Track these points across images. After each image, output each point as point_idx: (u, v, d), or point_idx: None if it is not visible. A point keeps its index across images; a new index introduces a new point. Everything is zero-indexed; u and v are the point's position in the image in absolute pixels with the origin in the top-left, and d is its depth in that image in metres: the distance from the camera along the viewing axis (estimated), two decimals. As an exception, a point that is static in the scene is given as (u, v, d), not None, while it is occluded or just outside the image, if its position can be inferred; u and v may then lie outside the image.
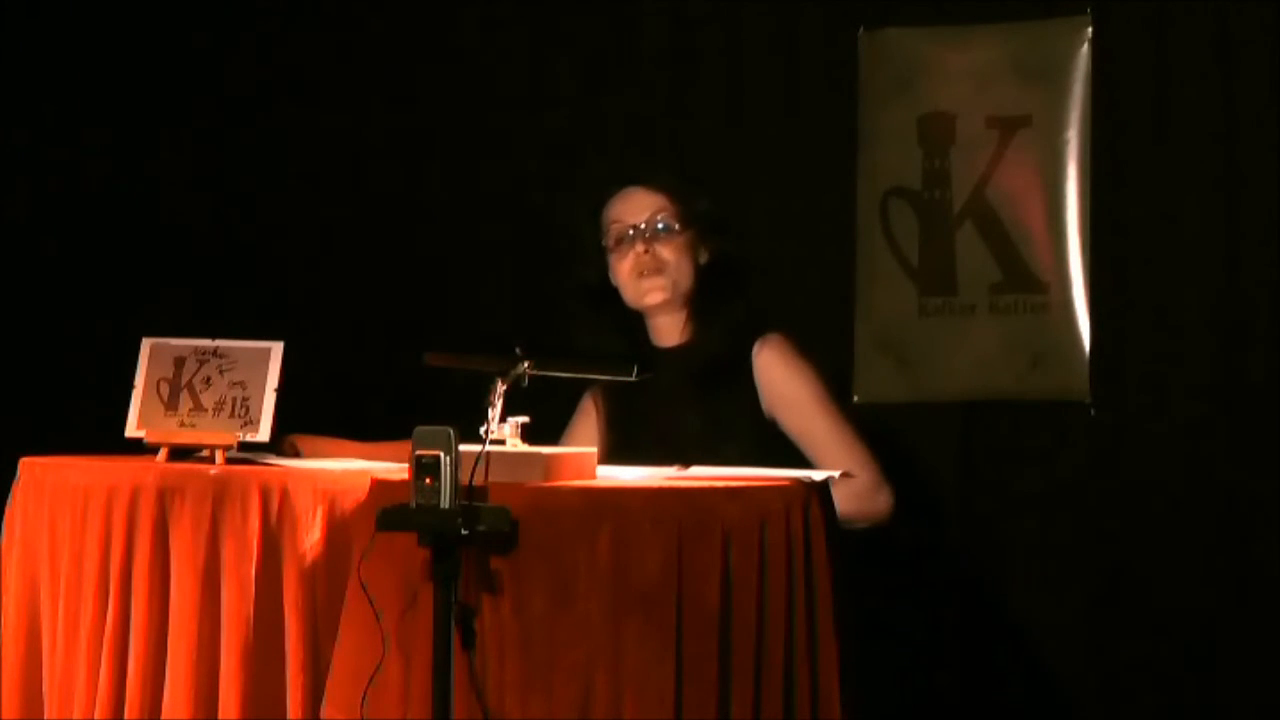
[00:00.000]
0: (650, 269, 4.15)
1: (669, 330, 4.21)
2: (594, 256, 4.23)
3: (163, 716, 3.67)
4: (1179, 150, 4.97)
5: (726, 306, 4.18)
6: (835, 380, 5.09)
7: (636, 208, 4.19)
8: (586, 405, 4.30)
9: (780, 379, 4.12)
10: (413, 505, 3.31)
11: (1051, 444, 5.09)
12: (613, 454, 4.07)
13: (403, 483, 3.37)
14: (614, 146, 5.44)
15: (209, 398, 3.87)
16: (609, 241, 4.20)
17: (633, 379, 3.77)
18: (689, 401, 4.12)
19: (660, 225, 4.17)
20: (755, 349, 4.14)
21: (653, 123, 5.44)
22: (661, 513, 3.30)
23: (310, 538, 3.64)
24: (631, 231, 4.17)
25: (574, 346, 4.19)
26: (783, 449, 4.04)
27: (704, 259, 4.21)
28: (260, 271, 5.71)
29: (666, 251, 4.17)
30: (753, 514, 3.32)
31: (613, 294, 4.22)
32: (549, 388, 3.78)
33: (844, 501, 3.86)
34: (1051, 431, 5.09)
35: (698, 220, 4.21)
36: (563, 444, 4.23)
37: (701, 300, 4.19)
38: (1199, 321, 4.95)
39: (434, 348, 3.88)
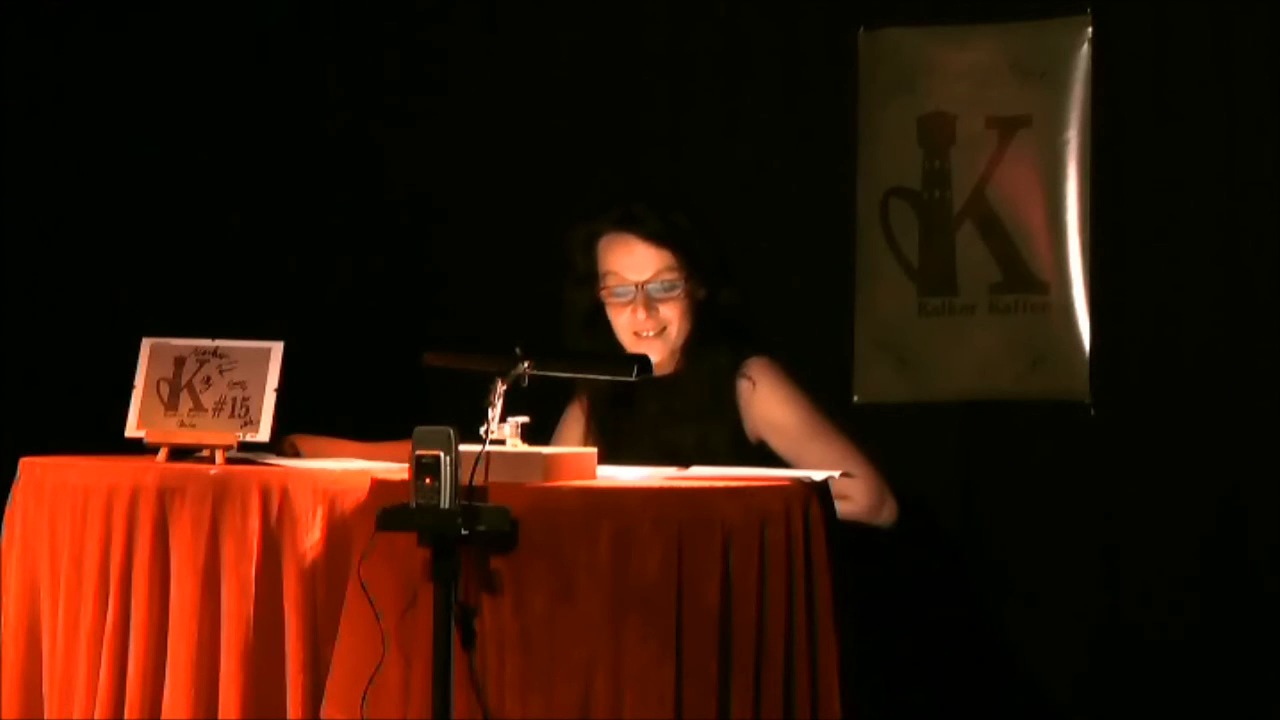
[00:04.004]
0: (650, 331, 4.07)
1: (664, 359, 4.15)
2: (586, 282, 4.13)
3: (163, 716, 3.67)
4: (1179, 150, 4.97)
5: (715, 343, 4.12)
6: (836, 381, 5.12)
7: (639, 263, 4.06)
8: (574, 413, 4.26)
9: (768, 408, 4.06)
10: (413, 505, 3.31)
11: (1051, 444, 5.09)
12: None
13: (403, 483, 3.37)
14: (614, 146, 5.44)
15: (209, 398, 3.87)
16: (604, 288, 4.10)
17: (633, 379, 3.76)
18: (670, 431, 4.07)
19: (663, 285, 4.06)
20: (739, 375, 4.08)
21: (652, 123, 5.44)
22: (661, 513, 3.30)
23: (310, 538, 3.64)
24: (633, 290, 4.07)
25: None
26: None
27: (700, 296, 4.12)
28: (260, 271, 5.71)
29: (668, 312, 4.06)
30: (753, 514, 3.32)
31: (604, 319, 4.14)
32: (549, 388, 3.78)
33: (848, 516, 3.87)
34: (1051, 431, 5.09)
35: (700, 272, 4.09)
36: (566, 419, 4.22)
37: (694, 338, 4.11)
38: (1199, 322, 4.95)
39: (434, 348, 3.88)
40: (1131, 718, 4.98)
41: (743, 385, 4.07)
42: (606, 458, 3.79)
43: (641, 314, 4.07)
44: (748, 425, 4.08)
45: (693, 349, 4.11)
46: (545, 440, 4.13)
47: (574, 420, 4.25)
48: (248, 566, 3.65)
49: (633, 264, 4.07)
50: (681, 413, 4.07)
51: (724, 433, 4.06)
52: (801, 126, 5.31)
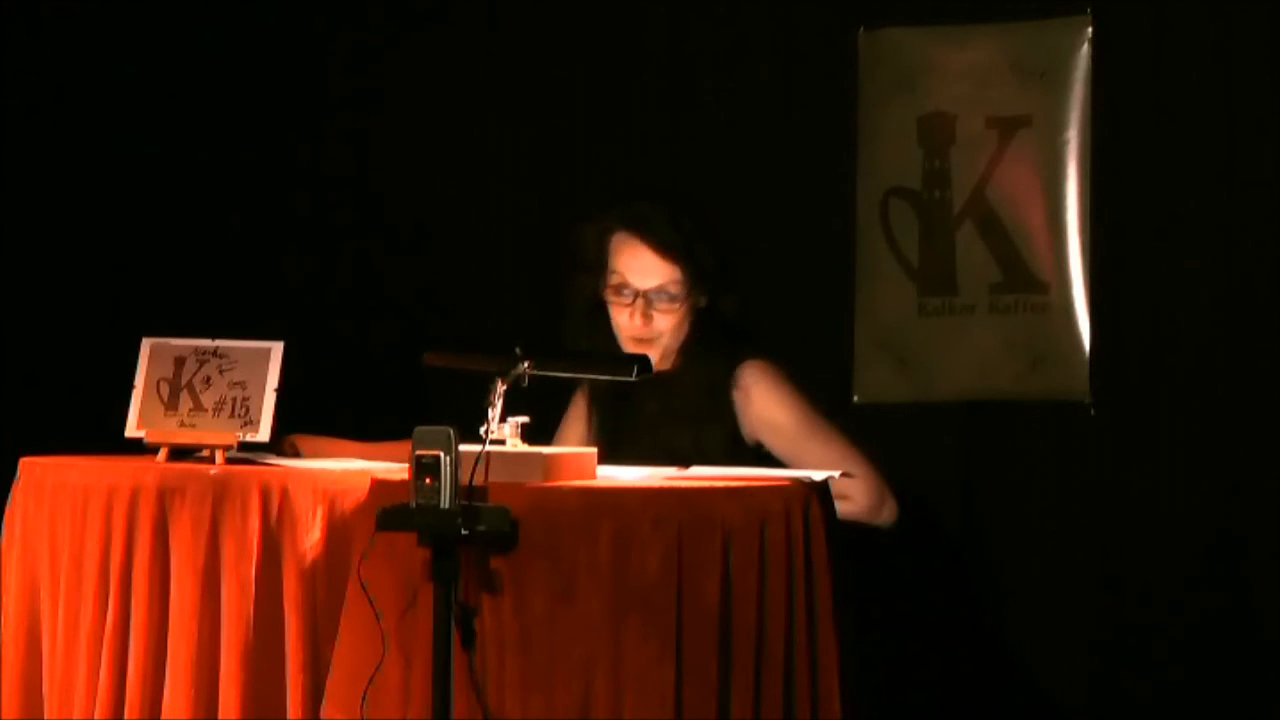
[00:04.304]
0: (645, 337, 4.08)
1: (657, 361, 4.14)
2: (593, 273, 4.13)
3: (163, 716, 3.67)
4: (1179, 150, 4.97)
5: (714, 347, 4.12)
6: (836, 381, 5.12)
7: (644, 270, 4.07)
8: (578, 405, 4.27)
9: (765, 409, 4.06)
10: (413, 505, 3.31)
11: (1051, 444, 5.08)
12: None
13: (403, 483, 3.37)
14: (614, 146, 5.44)
15: (209, 398, 3.87)
16: (608, 285, 4.11)
17: (633, 379, 3.76)
18: (664, 428, 4.08)
19: (665, 296, 4.06)
20: (736, 376, 4.08)
21: (652, 123, 5.44)
22: (661, 513, 3.30)
23: (310, 538, 3.64)
24: (633, 294, 4.08)
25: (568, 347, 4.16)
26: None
27: (701, 303, 4.12)
28: (260, 271, 5.71)
29: (664, 321, 4.07)
30: (753, 514, 3.32)
31: (605, 311, 4.15)
32: (549, 388, 3.78)
33: (848, 516, 3.88)
34: (1051, 431, 5.09)
35: (703, 284, 4.09)
36: (554, 444, 4.22)
37: (692, 340, 4.11)
38: (1199, 322, 4.95)
39: (434, 348, 3.88)
40: (1131, 718, 4.98)
41: (739, 388, 4.08)
42: (608, 454, 3.81)
43: (638, 320, 4.08)
44: (744, 427, 4.09)
45: (691, 349, 4.12)
46: (548, 437, 4.14)
47: (576, 418, 4.25)
48: (248, 566, 3.65)
49: (640, 269, 4.08)
50: (679, 412, 4.08)
51: (721, 433, 4.07)
52: (801, 126, 5.31)
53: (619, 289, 4.10)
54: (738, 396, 4.08)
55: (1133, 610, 4.98)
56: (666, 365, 4.12)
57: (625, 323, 4.10)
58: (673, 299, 4.08)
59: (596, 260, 4.13)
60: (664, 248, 4.07)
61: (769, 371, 4.10)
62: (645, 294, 4.07)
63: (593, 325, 4.14)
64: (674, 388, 4.10)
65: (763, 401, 4.07)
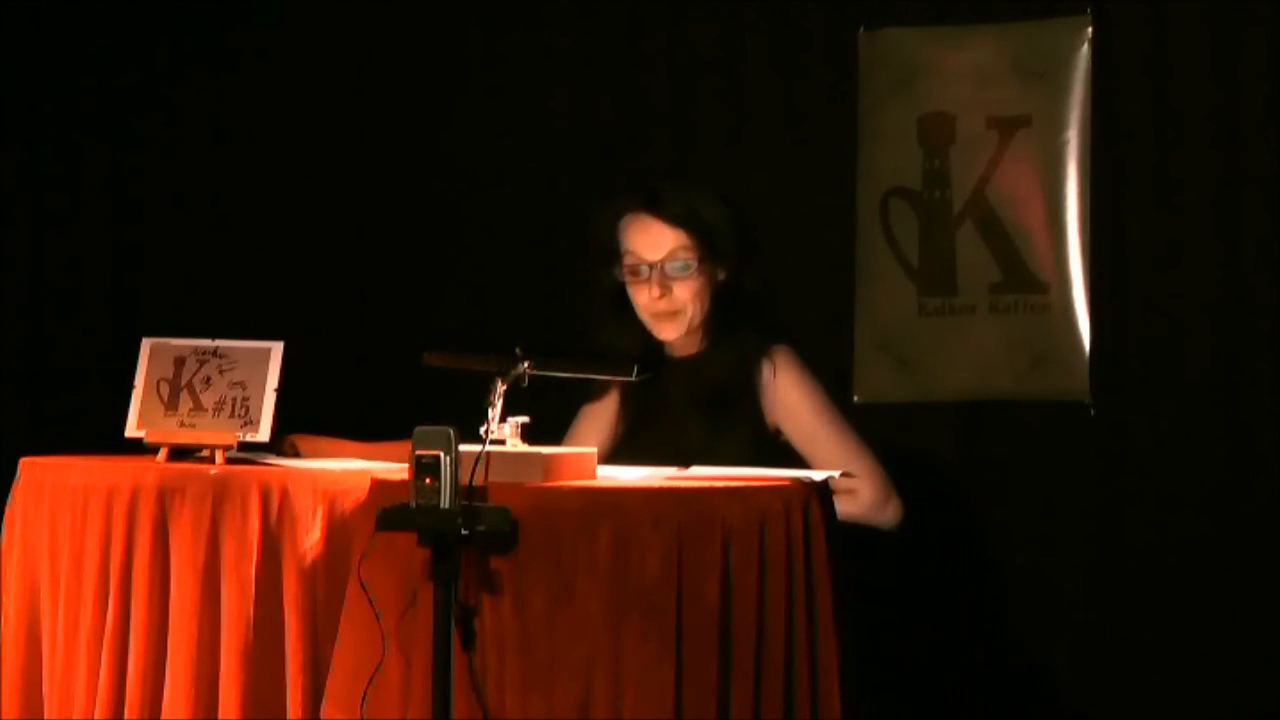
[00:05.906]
0: (666, 311, 4.08)
1: (682, 345, 4.16)
2: (609, 260, 4.13)
3: (163, 716, 3.68)
4: (1179, 150, 4.97)
5: (740, 326, 4.14)
6: (836, 381, 5.12)
7: (653, 243, 4.07)
8: (607, 391, 4.27)
9: (788, 394, 4.08)
10: (413, 505, 3.31)
11: (1051, 444, 5.08)
12: (621, 441, 4.11)
13: (403, 483, 3.37)
14: (614, 146, 5.44)
15: (209, 398, 3.87)
16: (624, 267, 4.11)
17: (633, 379, 3.76)
18: (694, 412, 4.09)
19: (678, 265, 4.06)
20: (763, 361, 4.10)
21: (652, 123, 5.44)
22: (661, 513, 3.30)
23: (310, 538, 3.64)
24: (648, 268, 4.08)
25: (590, 341, 4.16)
26: (780, 460, 3.99)
27: (721, 277, 4.12)
28: (260, 271, 5.71)
29: (683, 291, 4.07)
30: (753, 514, 3.32)
31: (628, 297, 4.16)
32: (549, 388, 3.78)
33: (853, 515, 3.89)
34: (1051, 431, 5.09)
35: (716, 255, 4.10)
36: (583, 416, 4.22)
37: (716, 318, 4.12)
38: (1199, 322, 4.95)
39: (434, 348, 3.88)
40: (1132, 717, 4.98)
41: (766, 372, 4.08)
42: (636, 439, 3.84)
43: (656, 292, 4.08)
44: (767, 411, 4.09)
45: (717, 331, 4.12)
46: (556, 434, 4.12)
47: (609, 397, 4.23)
48: (248, 566, 3.66)
49: (649, 243, 4.09)
50: (706, 394, 4.08)
51: (745, 416, 4.08)
52: (801, 126, 5.31)
53: (634, 269, 4.10)
54: (763, 380, 4.09)
55: (1133, 609, 4.98)
56: (693, 348, 4.13)
57: (645, 301, 4.10)
58: (686, 267, 4.07)
59: (611, 246, 4.13)
60: (669, 216, 4.08)
61: (796, 359, 4.12)
62: (659, 266, 4.08)
63: (618, 313, 4.14)
64: (702, 369, 4.11)
65: (788, 387, 4.09)
